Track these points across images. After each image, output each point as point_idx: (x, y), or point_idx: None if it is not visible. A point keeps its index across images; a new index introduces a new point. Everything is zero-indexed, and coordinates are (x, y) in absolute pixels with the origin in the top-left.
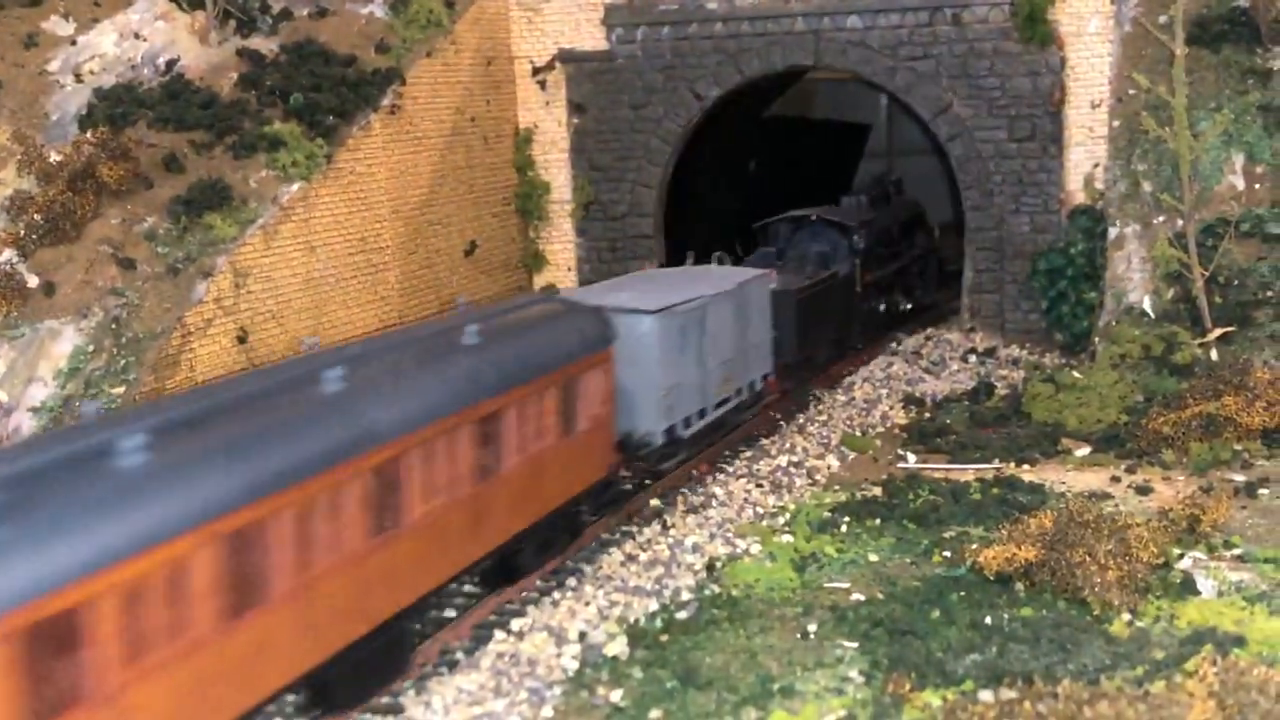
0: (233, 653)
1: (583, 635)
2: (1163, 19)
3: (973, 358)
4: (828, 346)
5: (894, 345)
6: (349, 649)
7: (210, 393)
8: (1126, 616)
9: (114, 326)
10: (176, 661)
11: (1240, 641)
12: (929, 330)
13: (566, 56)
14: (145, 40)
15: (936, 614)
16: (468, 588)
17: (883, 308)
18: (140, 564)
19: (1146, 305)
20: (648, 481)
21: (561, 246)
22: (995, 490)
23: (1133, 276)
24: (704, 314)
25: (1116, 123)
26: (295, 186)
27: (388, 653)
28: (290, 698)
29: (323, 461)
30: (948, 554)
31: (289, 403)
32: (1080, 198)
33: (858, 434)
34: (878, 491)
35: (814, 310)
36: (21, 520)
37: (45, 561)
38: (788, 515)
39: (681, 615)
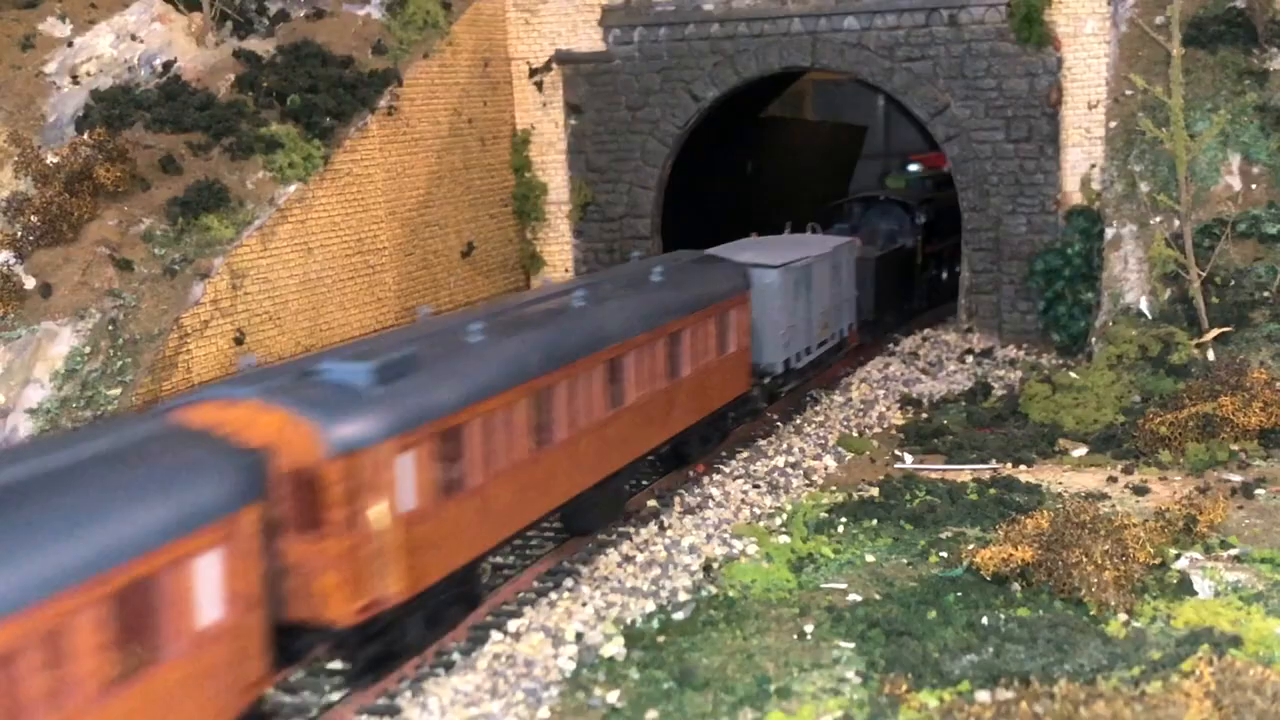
0: (535, 475)
1: (579, 636)
2: (1159, 20)
3: (970, 358)
4: (895, 308)
5: (891, 346)
6: (591, 489)
7: (500, 305)
8: (1123, 617)
9: (111, 328)
10: (509, 473)
11: (1237, 642)
12: (926, 331)
13: (563, 58)
14: (142, 42)
15: (933, 615)
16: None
17: (944, 276)
18: (492, 403)
19: (1143, 306)
20: (764, 404)
21: (559, 248)
22: (992, 491)
23: (1129, 277)
24: (811, 271)
25: (1113, 123)
26: (292, 188)
27: (612, 498)
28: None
29: (580, 351)
30: (944, 555)
31: (555, 314)
32: (1077, 198)
33: (855, 435)
34: (875, 492)
35: (888, 274)
36: (426, 369)
37: (445, 394)
38: (785, 516)
39: (678, 616)
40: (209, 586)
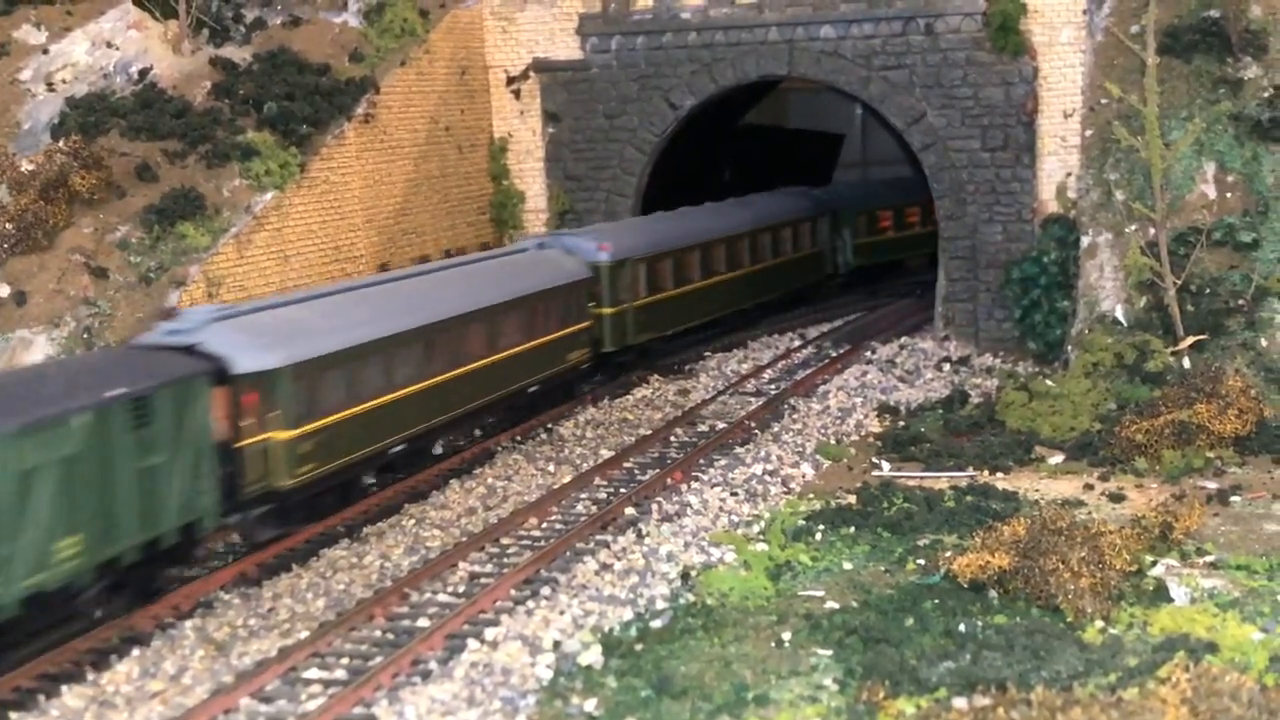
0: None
1: (557, 644)
2: (1135, 29)
3: (947, 366)
4: None
5: (868, 354)
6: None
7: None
8: (1099, 623)
9: (86, 336)
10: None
11: (1213, 648)
12: (903, 339)
13: (541, 66)
14: (118, 49)
15: (910, 622)
16: (442, 596)
17: None
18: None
19: (1119, 313)
20: None
21: None
22: (969, 498)
23: (1105, 285)
24: None
25: (1089, 132)
26: (269, 195)
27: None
28: None
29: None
30: (922, 562)
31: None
32: (1053, 207)
33: (832, 442)
34: (852, 500)
35: None
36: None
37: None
38: (762, 523)
39: (656, 624)
40: None
